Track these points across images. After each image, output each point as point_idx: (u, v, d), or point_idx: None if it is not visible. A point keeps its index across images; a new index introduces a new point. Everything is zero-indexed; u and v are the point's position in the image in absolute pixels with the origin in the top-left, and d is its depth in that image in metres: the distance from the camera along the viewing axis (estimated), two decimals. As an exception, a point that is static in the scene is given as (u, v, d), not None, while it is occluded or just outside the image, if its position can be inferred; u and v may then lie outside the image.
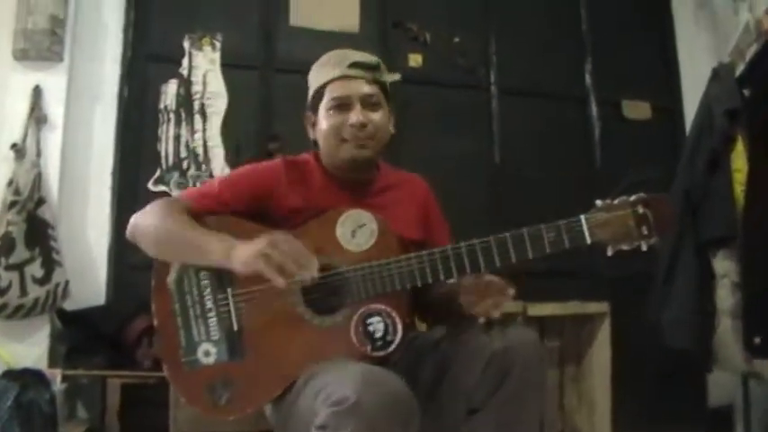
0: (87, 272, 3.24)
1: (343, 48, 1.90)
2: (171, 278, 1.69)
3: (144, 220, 1.74)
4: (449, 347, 1.67)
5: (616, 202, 1.64)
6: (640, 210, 1.63)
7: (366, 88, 1.79)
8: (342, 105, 1.77)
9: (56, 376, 2.83)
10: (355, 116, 1.76)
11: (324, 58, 1.86)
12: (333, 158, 1.83)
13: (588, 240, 1.62)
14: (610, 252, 1.63)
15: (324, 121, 1.80)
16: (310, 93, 1.87)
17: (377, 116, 1.80)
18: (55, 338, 3.07)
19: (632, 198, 1.64)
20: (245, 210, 1.77)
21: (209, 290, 1.68)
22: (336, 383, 1.38)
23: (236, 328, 1.65)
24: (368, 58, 1.83)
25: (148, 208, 1.76)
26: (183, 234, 1.66)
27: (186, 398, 1.67)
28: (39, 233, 3.02)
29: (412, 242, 1.79)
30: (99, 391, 2.87)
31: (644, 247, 1.63)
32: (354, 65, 1.79)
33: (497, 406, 1.54)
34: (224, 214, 1.75)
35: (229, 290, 1.67)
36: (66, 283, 3.05)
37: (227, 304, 1.67)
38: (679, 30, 4.40)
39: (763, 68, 2.77)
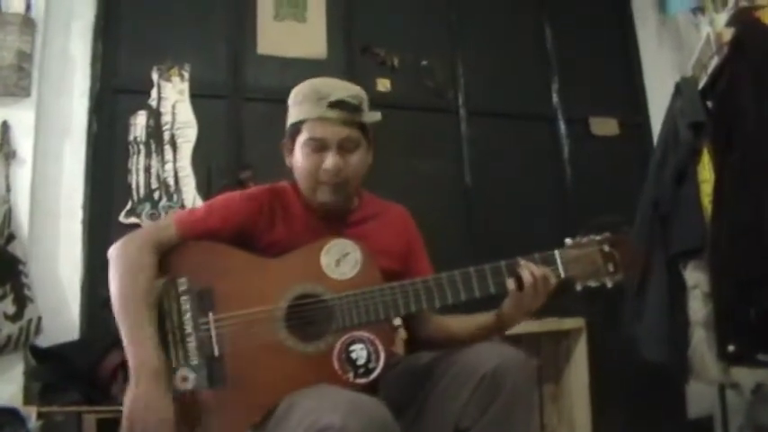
0: (60, 307, 3.20)
1: (316, 75, 1.90)
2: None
3: (114, 267, 1.70)
4: (439, 367, 1.66)
5: (584, 240, 1.74)
6: (607, 248, 1.73)
7: (344, 131, 1.76)
8: (318, 147, 1.76)
9: (31, 413, 2.77)
10: (331, 161, 1.75)
11: (305, 87, 1.83)
12: (308, 197, 1.84)
13: (563, 275, 1.70)
14: (578, 288, 1.73)
15: (300, 157, 1.80)
16: (288, 121, 1.85)
17: (353, 159, 1.79)
18: (29, 375, 3.02)
19: (599, 237, 1.74)
20: (230, 236, 1.77)
21: (189, 314, 1.66)
22: (320, 410, 1.38)
23: (216, 353, 1.63)
24: (350, 96, 1.78)
25: (122, 252, 1.72)
26: (125, 313, 1.62)
27: None
28: (10, 270, 2.98)
29: (392, 272, 1.80)
30: (75, 427, 2.82)
31: (609, 285, 1.73)
32: (334, 105, 1.75)
33: (487, 425, 1.54)
34: (212, 241, 1.75)
35: (211, 314, 1.66)
36: (39, 319, 3.01)
37: (209, 329, 1.65)
38: (643, 46, 4.47)
39: (724, 80, 2.81)
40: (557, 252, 1.71)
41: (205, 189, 3.43)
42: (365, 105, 1.83)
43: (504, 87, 4.17)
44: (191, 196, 3.43)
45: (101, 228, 3.31)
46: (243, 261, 1.74)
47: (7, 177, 3.12)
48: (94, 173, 3.38)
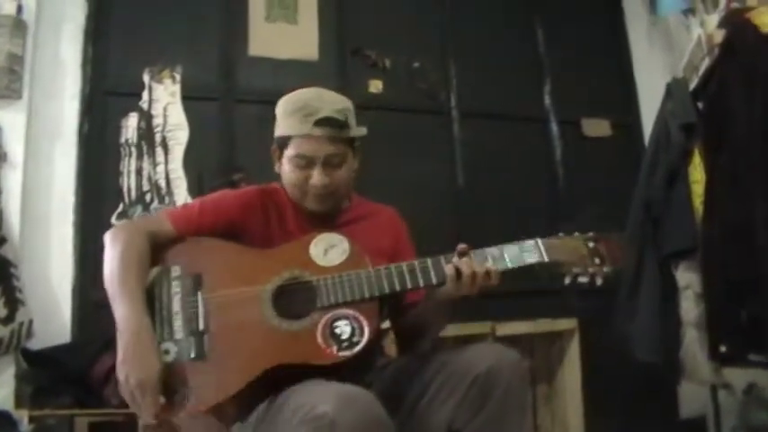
0: (52, 310, 3.19)
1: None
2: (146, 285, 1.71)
3: (109, 246, 1.74)
4: (432, 368, 1.67)
5: (570, 236, 1.77)
6: (591, 244, 1.75)
7: (330, 148, 1.81)
8: (305, 163, 1.81)
9: (23, 417, 2.77)
10: (317, 177, 1.81)
11: (293, 101, 1.85)
12: (297, 203, 1.89)
13: (546, 259, 1.71)
14: (567, 281, 1.74)
15: (287, 169, 1.85)
16: (276, 132, 1.89)
17: (339, 173, 1.84)
18: (20, 379, 3.01)
19: (585, 234, 1.78)
20: (223, 232, 1.82)
21: (179, 296, 1.70)
22: (314, 401, 1.39)
23: (201, 328, 1.65)
24: (336, 111, 1.81)
25: (118, 233, 1.76)
26: (111, 282, 1.67)
27: None
28: (1, 272, 2.97)
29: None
30: (67, 430, 2.81)
31: (599, 281, 1.74)
32: (321, 122, 1.78)
33: (480, 426, 1.55)
34: (205, 237, 1.80)
35: (200, 293, 1.70)
36: (31, 321, 3.01)
37: (196, 306, 1.68)
38: (634, 47, 4.50)
39: (715, 82, 2.82)
40: (538, 240, 1.75)
41: (196, 191, 3.41)
42: (352, 119, 1.87)
43: (497, 89, 4.17)
44: (182, 198, 3.41)
45: (92, 230, 3.27)
46: (234, 251, 1.79)
47: (-2, 180, 3.11)
48: (86, 175, 3.37)
